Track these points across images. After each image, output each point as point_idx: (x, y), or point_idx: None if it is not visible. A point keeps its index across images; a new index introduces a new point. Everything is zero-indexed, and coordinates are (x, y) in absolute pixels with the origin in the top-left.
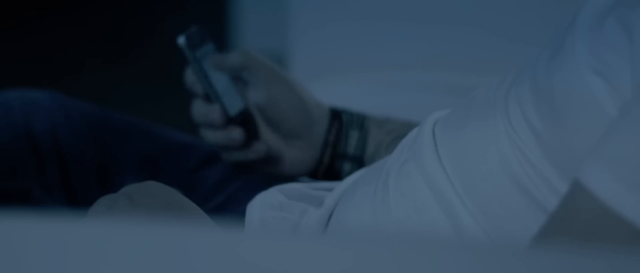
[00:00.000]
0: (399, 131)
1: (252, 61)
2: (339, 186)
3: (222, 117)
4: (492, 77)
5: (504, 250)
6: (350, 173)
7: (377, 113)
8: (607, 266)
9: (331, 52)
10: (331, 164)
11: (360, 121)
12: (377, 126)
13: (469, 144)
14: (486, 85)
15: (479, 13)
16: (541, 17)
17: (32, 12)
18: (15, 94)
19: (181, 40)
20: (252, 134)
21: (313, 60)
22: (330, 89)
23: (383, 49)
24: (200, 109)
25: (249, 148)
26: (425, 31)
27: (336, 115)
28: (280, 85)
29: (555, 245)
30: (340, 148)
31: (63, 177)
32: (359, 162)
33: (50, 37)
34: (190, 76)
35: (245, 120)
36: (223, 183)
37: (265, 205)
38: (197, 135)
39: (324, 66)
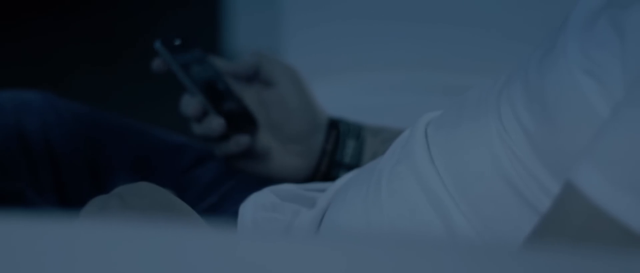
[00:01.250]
0: (394, 139)
1: (266, 61)
2: (331, 187)
3: (199, 109)
4: (488, 77)
5: (497, 250)
6: None
7: (371, 114)
8: (600, 267)
9: (324, 52)
10: (328, 173)
11: (357, 131)
12: (372, 136)
13: (461, 144)
14: (479, 85)
15: (474, 12)
16: (539, 16)
17: (24, 14)
18: (6, 95)
19: (157, 44)
20: (243, 131)
21: (305, 60)
22: (322, 89)
23: (377, 49)
24: (183, 102)
25: (233, 139)
26: (420, 31)
27: (333, 124)
28: (293, 88)
29: (548, 245)
30: (337, 157)
31: (55, 178)
32: None
33: (43, 39)
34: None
35: (236, 118)
36: (216, 184)
37: (257, 206)
38: (190, 135)
39: (317, 66)
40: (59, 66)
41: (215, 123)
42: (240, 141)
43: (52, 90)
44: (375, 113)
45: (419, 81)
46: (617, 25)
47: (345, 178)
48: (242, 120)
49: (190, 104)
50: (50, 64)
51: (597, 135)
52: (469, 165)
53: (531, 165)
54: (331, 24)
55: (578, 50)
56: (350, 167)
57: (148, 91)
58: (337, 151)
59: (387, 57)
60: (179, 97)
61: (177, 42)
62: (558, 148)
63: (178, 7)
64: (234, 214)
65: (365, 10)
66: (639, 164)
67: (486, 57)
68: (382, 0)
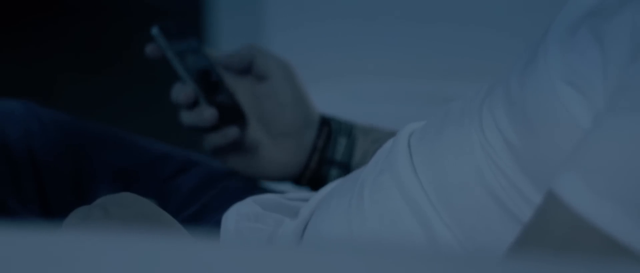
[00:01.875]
0: (384, 140)
1: (259, 54)
2: (315, 197)
3: (191, 97)
4: (475, 86)
5: (479, 260)
6: (336, 179)
7: (355, 121)
8: None
9: (307, 58)
10: (318, 170)
11: (348, 129)
12: (363, 135)
13: (444, 155)
14: (462, 96)
15: (464, 19)
16: (525, 24)
17: (10, 24)
18: None
19: (155, 30)
20: (233, 124)
21: None
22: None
23: (361, 57)
24: (175, 90)
25: (222, 131)
26: (406, 38)
27: (325, 122)
28: (286, 82)
29: (530, 255)
30: (328, 154)
31: (38, 187)
32: (346, 169)
33: (28, 49)
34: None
35: (227, 111)
36: (198, 192)
37: (240, 215)
38: (173, 144)
39: (300, 73)
40: (44, 75)
41: (207, 113)
42: (228, 133)
43: (36, 99)
44: (357, 120)
45: (403, 89)
46: (597, 35)
47: (328, 188)
48: (232, 114)
49: (182, 91)
50: (35, 73)
51: (579, 144)
52: (452, 176)
53: (513, 176)
54: (315, 31)
55: (559, 60)
56: (341, 165)
57: (135, 99)
58: (328, 147)
59: (371, 64)
60: (164, 105)
61: (174, 30)
62: (540, 158)
63: (161, 12)
64: (216, 223)
65: (349, 17)
66: (621, 173)
67: (473, 66)
68: (365, 8)
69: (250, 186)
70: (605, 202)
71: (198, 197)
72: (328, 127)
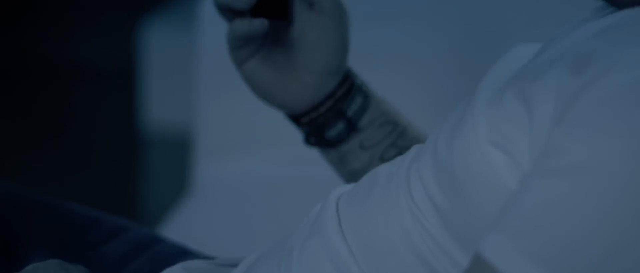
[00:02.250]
0: (391, 115)
1: None
2: (243, 263)
3: None
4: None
5: None
6: (338, 134)
7: (287, 186)
8: None
9: (240, 126)
10: (324, 117)
11: (366, 92)
12: (376, 103)
13: (372, 218)
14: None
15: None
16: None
17: None
18: None
19: None
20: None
21: (220, 134)
22: (236, 164)
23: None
24: None
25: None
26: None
27: (350, 75)
28: (338, 23)
29: None
30: (343, 106)
31: None
32: (351, 127)
33: None
34: None
35: (272, 7)
36: (128, 258)
37: None
38: (105, 209)
39: (232, 141)
40: None
41: None
42: (255, 22)
43: None
44: (291, 185)
45: None
46: (524, 96)
47: (255, 254)
48: (276, 11)
49: None
50: None
51: (505, 207)
52: (380, 239)
53: (441, 239)
54: (248, 97)
55: (486, 123)
56: (348, 121)
57: (67, 164)
58: (344, 100)
59: None
60: (96, 170)
61: None
62: (468, 220)
63: (94, 73)
64: None
65: None
66: (547, 236)
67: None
68: None
69: (180, 251)
70: (532, 265)
71: (128, 263)
72: (352, 81)
